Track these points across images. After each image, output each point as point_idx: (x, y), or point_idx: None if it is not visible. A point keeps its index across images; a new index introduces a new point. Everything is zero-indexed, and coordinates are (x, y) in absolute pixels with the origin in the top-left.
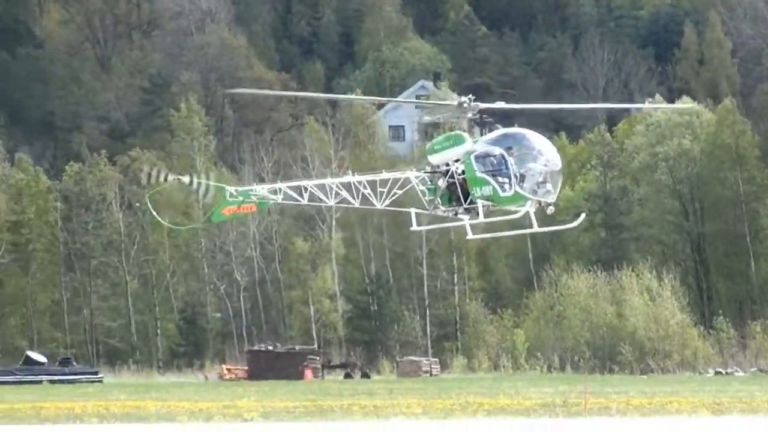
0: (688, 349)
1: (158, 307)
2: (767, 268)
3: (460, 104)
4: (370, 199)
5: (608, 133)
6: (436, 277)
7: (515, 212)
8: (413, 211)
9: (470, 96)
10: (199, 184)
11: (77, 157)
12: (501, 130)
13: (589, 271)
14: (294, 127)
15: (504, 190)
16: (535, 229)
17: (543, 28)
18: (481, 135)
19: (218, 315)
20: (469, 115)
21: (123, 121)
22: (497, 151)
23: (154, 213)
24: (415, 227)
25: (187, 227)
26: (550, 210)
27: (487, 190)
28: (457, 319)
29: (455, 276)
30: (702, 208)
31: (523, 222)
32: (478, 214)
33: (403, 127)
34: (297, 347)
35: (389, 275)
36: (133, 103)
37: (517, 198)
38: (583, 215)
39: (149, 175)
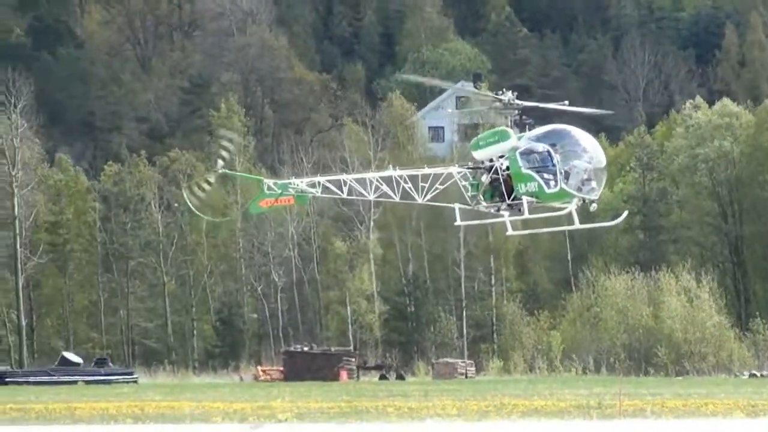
0: (724, 351)
1: (195, 308)
2: None
3: (507, 102)
4: (411, 193)
5: (648, 135)
6: (473, 279)
7: (560, 209)
8: (457, 206)
9: (514, 93)
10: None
11: (116, 158)
12: (546, 127)
13: (627, 272)
14: (333, 128)
15: (549, 187)
16: (576, 226)
17: (583, 29)
18: (519, 134)
19: (255, 316)
20: (514, 111)
21: (162, 122)
22: (542, 147)
23: (191, 205)
24: (459, 222)
25: (223, 219)
26: (594, 207)
27: (532, 187)
28: (494, 320)
29: (492, 277)
30: (741, 210)
31: (560, 219)
32: (521, 210)
33: (442, 128)
34: (333, 348)
35: (426, 276)
36: (172, 103)
37: (563, 195)
38: (625, 213)
39: (224, 138)
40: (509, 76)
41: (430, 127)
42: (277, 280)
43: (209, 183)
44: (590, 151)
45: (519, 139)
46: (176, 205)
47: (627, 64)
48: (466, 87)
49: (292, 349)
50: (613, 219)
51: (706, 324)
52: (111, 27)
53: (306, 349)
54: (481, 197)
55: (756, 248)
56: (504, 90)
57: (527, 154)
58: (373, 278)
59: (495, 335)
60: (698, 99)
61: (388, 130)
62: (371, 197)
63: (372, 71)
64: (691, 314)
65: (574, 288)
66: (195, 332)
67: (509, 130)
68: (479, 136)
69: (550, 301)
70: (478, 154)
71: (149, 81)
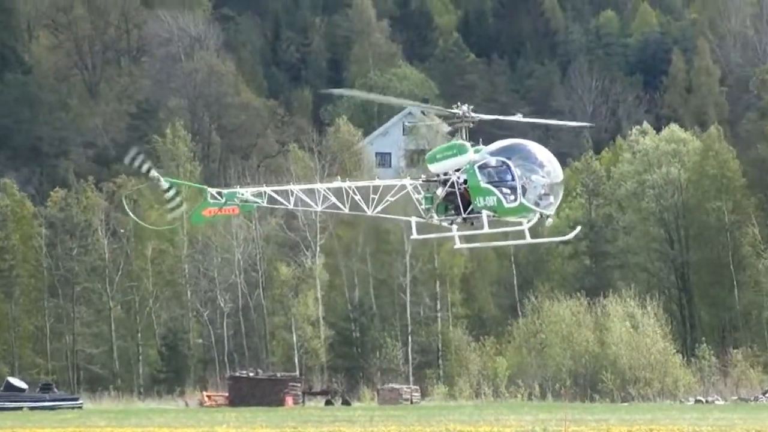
0: (670, 377)
1: (140, 333)
2: (750, 297)
3: (462, 114)
4: (361, 205)
5: (595, 161)
6: (419, 304)
7: (517, 224)
8: (414, 219)
9: (469, 106)
10: (171, 188)
11: (63, 183)
12: (504, 141)
13: (573, 298)
14: (280, 154)
15: (508, 201)
16: (527, 240)
17: (531, 55)
18: (476, 148)
19: (200, 341)
20: (470, 125)
21: (110, 147)
22: (501, 161)
23: (130, 213)
24: (415, 236)
25: (164, 227)
26: (549, 222)
27: (490, 201)
28: (440, 346)
29: (438, 303)
30: (687, 237)
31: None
32: (475, 224)
33: (389, 154)
34: (278, 374)
35: (372, 302)
36: (120, 129)
37: (522, 209)
38: (577, 228)
39: (133, 159)
40: (456, 102)
41: (377, 153)
42: (222, 305)
43: (168, 190)
44: (547, 165)
45: (476, 152)
46: (122, 231)
47: (575, 90)
48: (414, 113)
49: (237, 374)
50: (557, 246)
51: (651, 350)
52: (59, 52)
53: (251, 374)
54: (435, 210)
55: (702, 274)
56: (459, 104)
57: (486, 168)
58: (318, 304)
59: (440, 361)
60: (645, 125)
61: (335, 155)
62: (319, 208)
63: (319, 97)
64: (637, 340)
65: (519, 314)
66: (140, 357)
67: (467, 143)
68: (435, 149)
69: (495, 327)
70: (435, 167)
71: (96, 106)
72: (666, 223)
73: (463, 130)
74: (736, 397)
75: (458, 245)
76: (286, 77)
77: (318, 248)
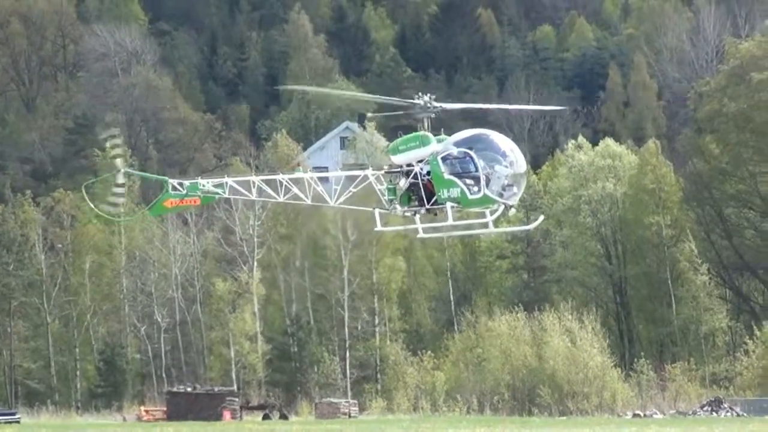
0: (608, 391)
1: (78, 348)
2: (687, 312)
3: (424, 105)
4: (323, 196)
5: (533, 175)
6: (356, 319)
7: (479, 215)
8: (377, 211)
9: (431, 96)
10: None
11: (0, 198)
12: (467, 132)
13: (510, 312)
14: (218, 168)
15: (472, 193)
16: (491, 230)
17: (468, 70)
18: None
19: (138, 356)
20: (432, 115)
21: (47, 162)
22: (465, 152)
23: (91, 203)
24: (379, 227)
25: (124, 219)
26: (512, 212)
27: (454, 192)
28: (377, 361)
29: (376, 318)
30: (624, 251)
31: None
32: (439, 215)
33: (327, 168)
34: (216, 388)
35: (310, 317)
36: (57, 144)
37: (485, 200)
38: (542, 217)
39: (109, 137)
40: (394, 116)
41: (314, 167)
42: (160, 320)
43: (120, 185)
44: (511, 155)
45: (439, 142)
46: (60, 246)
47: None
48: (352, 127)
49: (175, 389)
50: (495, 262)
51: (588, 364)
52: None
53: (189, 389)
54: (398, 201)
55: (639, 289)
56: (420, 93)
57: (449, 159)
58: (256, 318)
59: (378, 375)
60: (581, 139)
61: (273, 169)
62: (281, 199)
63: (256, 111)
64: (574, 354)
65: (457, 328)
66: (78, 372)
67: (429, 134)
68: (398, 140)
69: (433, 341)
70: (397, 158)
71: (33, 121)
72: (603, 238)
73: (426, 121)
74: (674, 411)
75: (421, 234)
76: (223, 92)
77: (255, 263)
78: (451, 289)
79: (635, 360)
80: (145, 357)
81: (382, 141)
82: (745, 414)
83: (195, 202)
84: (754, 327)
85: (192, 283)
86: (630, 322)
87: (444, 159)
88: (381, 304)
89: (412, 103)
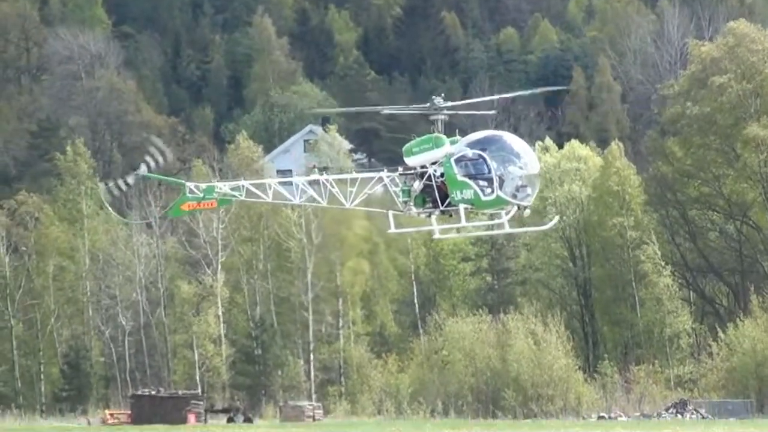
0: (572, 394)
1: (42, 352)
2: (652, 314)
3: (436, 106)
4: (339, 198)
5: None
6: (320, 322)
7: (497, 215)
8: (390, 213)
9: (442, 95)
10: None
11: None
12: (480, 133)
13: (475, 315)
14: (182, 172)
15: (485, 194)
16: (506, 230)
17: (432, 72)
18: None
19: (102, 359)
20: (441, 116)
21: (10, 165)
22: (477, 154)
23: (108, 205)
24: (392, 229)
25: (137, 221)
26: (527, 213)
27: (468, 194)
28: (342, 363)
29: (340, 320)
30: (589, 253)
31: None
32: (453, 216)
33: (291, 171)
34: (180, 392)
35: (274, 319)
36: (20, 147)
37: (498, 202)
38: (557, 218)
39: (157, 150)
40: (358, 119)
41: (278, 170)
42: (124, 323)
43: (128, 184)
44: (524, 156)
45: (452, 144)
46: (24, 248)
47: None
48: (315, 130)
49: (139, 392)
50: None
51: (553, 367)
52: None
53: (153, 392)
54: (413, 203)
55: (604, 291)
56: (433, 96)
57: (462, 161)
58: (220, 321)
59: (343, 378)
60: (547, 141)
61: (237, 173)
62: (297, 201)
63: (220, 114)
64: (539, 357)
65: (421, 331)
66: (42, 376)
67: (443, 136)
68: (412, 142)
69: (397, 344)
70: (411, 161)
71: None
72: (567, 240)
73: (439, 123)
74: (639, 413)
75: (437, 235)
76: (187, 95)
77: (219, 266)
78: (415, 291)
79: (599, 362)
80: (109, 360)
81: (344, 144)
82: (710, 416)
83: (212, 204)
84: (718, 329)
85: (156, 286)
86: (594, 324)
87: (457, 161)
88: (345, 306)
89: (423, 107)
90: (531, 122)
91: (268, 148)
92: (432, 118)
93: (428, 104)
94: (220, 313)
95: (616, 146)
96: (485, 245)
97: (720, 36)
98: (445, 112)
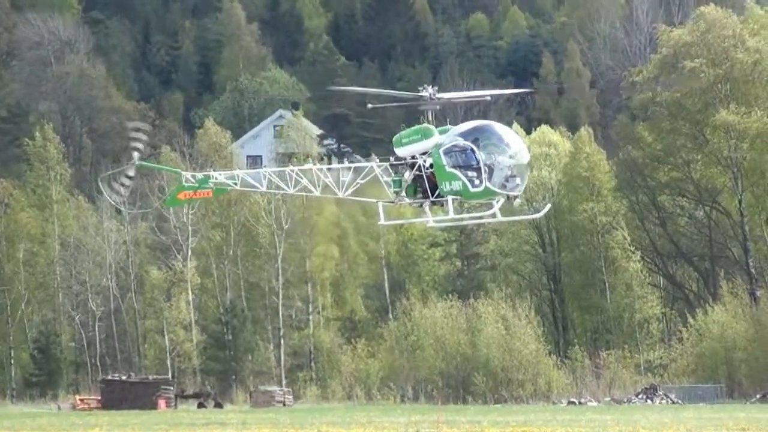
0: (542, 379)
1: (12, 337)
2: (621, 299)
3: (426, 95)
4: (332, 187)
5: None
6: (290, 307)
7: (488, 204)
8: (381, 203)
9: (435, 87)
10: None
11: None
12: (469, 123)
13: (445, 300)
14: (152, 157)
15: (474, 185)
16: (498, 219)
17: (402, 58)
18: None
19: (72, 344)
20: (436, 107)
21: None
22: (466, 144)
23: (110, 199)
24: (382, 221)
25: (140, 211)
26: (517, 202)
27: (456, 185)
28: (312, 349)
29: (310, 306)
30: (559, 239)
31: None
32: (444, 205)
33: (260, 156)
34: (151, 377)
35: (244, 305)
36: None
37: (487, 193)
38: (549, 205)
39: (136, 129)
40: (328, 105)
41: (248, 156)
42: (94, 308)
43: (129, 177)
44: (513, 146)
45: (442, 134)
46: None
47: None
48: (285, 116)
49: (110, 377)
50: (429, 249)
51: (523, 352)
52: None
53: (124, 377)
54: (404, 193)
55: (573, 276)
56: (425, 86)
57: (451, 152)
58: (190, 307)
59: (313, 363)
60: (516, 127)
61: (207, 158)
62: (291, 191)
63: (190, 100)
64: (508, 342)
65: (391, 316)
66: (12, 361)
67: (432, 127)
68: (402, 132)
69: (367, 329)
70: (401, 151)
71: None
72: (537, 226)
73: (429, 113)
74: (609, 399)
75: (431, 224)
76: (157, 81)
77: (189, 251)
78: (385, 276)
79: (570, 347)
80: (79, 345)
81: (314, 129)
82: (679, 401)
83: (208, 194)
84: (688, 314)
85: (126, 272)
86: (564, 309)
87: (446, 152)
88: (315, 292)
89: (417, 95)
90: (501, 108)
91: (238, 134)
92: (422, 108)
93: (422, 94)
94: (190, 299)
95: (585, 132)
96: (454, 231)
97: (690, 21)
98: (437, 103)
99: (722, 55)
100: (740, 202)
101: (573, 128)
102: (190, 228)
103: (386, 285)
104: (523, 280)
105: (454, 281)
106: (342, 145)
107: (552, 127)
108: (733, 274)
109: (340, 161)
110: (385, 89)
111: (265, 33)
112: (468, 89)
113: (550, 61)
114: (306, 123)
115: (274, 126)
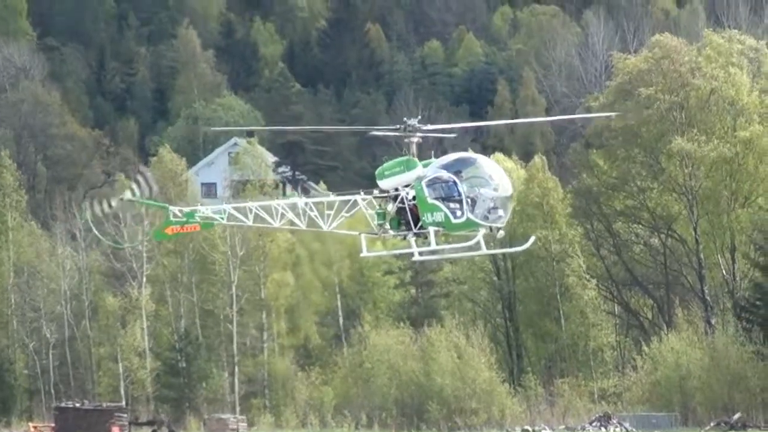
0: (496, 407)
1: None
2: (576, 327)
3: (407, 127)
4: (317, 221)
5: None
6: (245, 335)
7: (469, 238)
8: (363, 236)
9: (418, 118)
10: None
11: None
12: (452, 155)
13: (398, 328)
14: (106, 184)
15: (456, 217)
16: (483, 251)
17: (357, 85)
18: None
19: (26, 372)
20: (415, 139)
21: None
22: (448, 176)
23: (95, 231)
24: (365, 253)
25: (127, 245)
26: (500, 234)
27: (438, 217)
28: (266, 376)
29: (264, 333)
30: (513, 266)
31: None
32: (428, 238)
33: (215, 184)
34: (104, 404)
35: (198, 332)
36: None
37: (469, 224)
38: (533, 238)
39: (146, 180)
40: (283, 132)
41: (203, 183)
42: (48, 335)
43: (109, 205)
44: (496, 179)
45: (425, 166)
46: None
47: (400, 119)
48: (240, 143)
49: (63, 404)
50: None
51: (476, 380)
52: None
53: (78, 405)
54: (388, 225)
55: (528, 304)
56: (405, 119)
57: (433, 183)
58: (145, 334)
59: (267, 391)
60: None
61: (162, 186)
62: (277, 224)
63: (145, 127)
64: (462, 370)
65: (345, 343)
66: None
67: (415, 159)
68: (384, 165)
69: (321, 356)
70: (384, 184)
71: None
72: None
73: (413, 145)
74: (563, 427)
75: (416, 257)
76: (112, 107)
77: (144, 278)
78: (339, 304)
79: (524, 375)
80: (33, 372)
81: (269, 157)
82: (634, 429)
83: (195, 228)
84: (643, 342)
85: (80, 299)
86: (519, 337)
87: (428, 184)
88: (269, 319)
89: (396, 128)
90: (456, 136)
91: (193, 161)
92: (406, 140)
93: (402, 126)
94: (145, 326)
95: (539, 159)
96: (408, 258)
97: (645, 49)
98: (419, 135)
99: (678, 82)
100: (695, 229)
101: (528, 156)
102: (144, 255)
103: (340, 312)
104: (478, 307)
105: (408, 308)
106: (297, 173)
107: (506, 155)
108: (688, 302)
109: (295, 189)
110: (341, 117)
111: (221, 60)
112: (423, 116)
113: (505, 89)
114: (261, 150)
115: (229, 153)
